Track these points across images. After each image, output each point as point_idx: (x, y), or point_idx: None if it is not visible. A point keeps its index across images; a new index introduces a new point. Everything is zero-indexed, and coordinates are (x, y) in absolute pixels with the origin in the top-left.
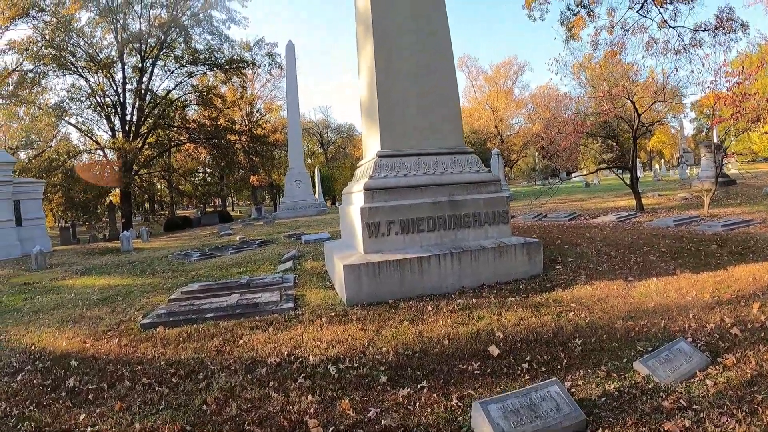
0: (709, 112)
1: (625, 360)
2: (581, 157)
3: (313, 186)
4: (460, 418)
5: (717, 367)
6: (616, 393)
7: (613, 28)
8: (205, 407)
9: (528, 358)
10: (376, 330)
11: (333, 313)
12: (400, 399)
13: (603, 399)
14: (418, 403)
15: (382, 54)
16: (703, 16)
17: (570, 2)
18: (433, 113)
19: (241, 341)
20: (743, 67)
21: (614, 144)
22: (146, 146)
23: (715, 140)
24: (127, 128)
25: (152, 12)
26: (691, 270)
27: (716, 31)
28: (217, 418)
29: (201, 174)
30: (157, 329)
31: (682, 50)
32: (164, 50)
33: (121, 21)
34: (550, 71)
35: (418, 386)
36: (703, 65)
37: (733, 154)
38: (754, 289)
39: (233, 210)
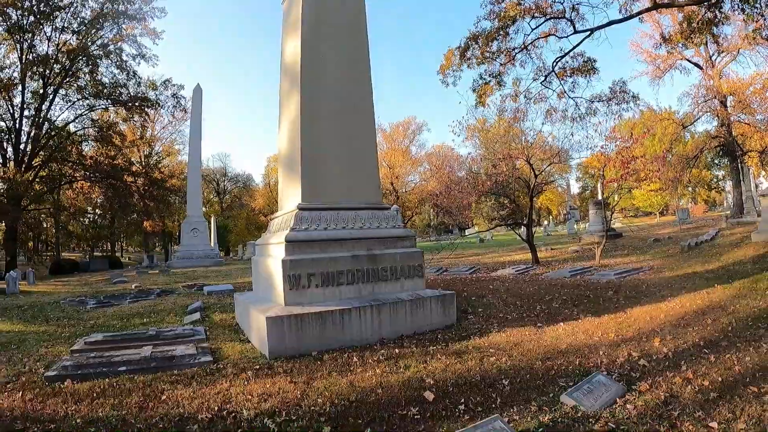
0: (594, 172)
1: (551, 395)
2: (474, 214)
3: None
4: None
5: (633, 393)
6: (551, 423)
7: (518, 96)
8: None
9: (462, 400)
10: (306, 382)
11: (257, 366)
12: None
13: (541, 429)
14: None
15: (308, 110)
16: (599, 88)
17: (482, 72)
18: (353, 169)
19: (164, 396)
20: (632, 133)
21: (505, 201)
22: (37, 180)
23: (600, 197)
24: (20, 158)
25: (62, 36)
26: (593, 314)
27: (610, 102)
28: None
29: (91, 215)
30: (65, 383)
31: (578, 118)
32: (68, 79)
33: (29, 41)
34: (453, 132)
35: None
36: (596, 131)
37: (622, 209)
38: (652, 327)
39: (122, 256)
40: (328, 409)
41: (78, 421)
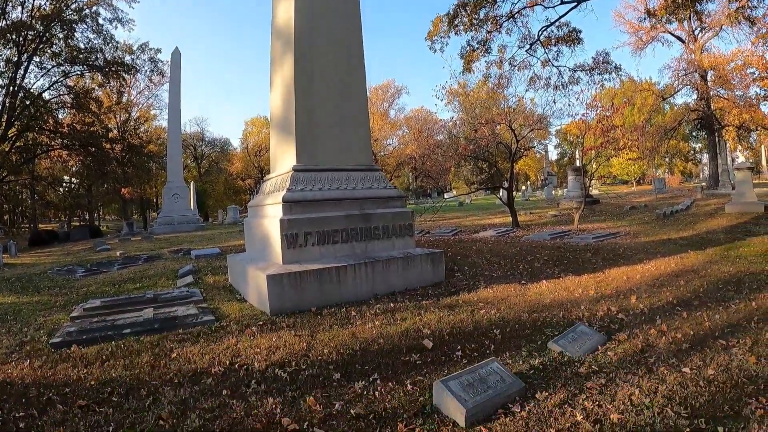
0: (573, 139)
1: (539, 342)
2: (453, 178)
3: None
4: (421, 398)
5: (613, 342)
6: (541, 366)
7: (502, 63)
8: (162, 422)
9: (459, 347)
10: (310, 335)
11: (260, 323)
12: (359, 390)
13: (532, 371)
14: (377, 392)
15: (302, 74)
16: (582, 58)
17: (469, 38)
18: (346, 132)
19: (174, 354)
20: (612, 103)
21: (485, 166)
22: (13, 150)
23: (579, 164)
24: None
25: (35, 2)
26: (573, 273)
27: (592, 71)
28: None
29: (68, 184)
30: (71, 348)
31: (561, 86)
32: (42, 45)
33: (1, 8)
34: (436, 97)
35: (371, 378)
36: (577, 99)
37: (600, 177)
38: (629, 286)
39: (101, 225)
40: (335, 358)
41: (92, 383)
